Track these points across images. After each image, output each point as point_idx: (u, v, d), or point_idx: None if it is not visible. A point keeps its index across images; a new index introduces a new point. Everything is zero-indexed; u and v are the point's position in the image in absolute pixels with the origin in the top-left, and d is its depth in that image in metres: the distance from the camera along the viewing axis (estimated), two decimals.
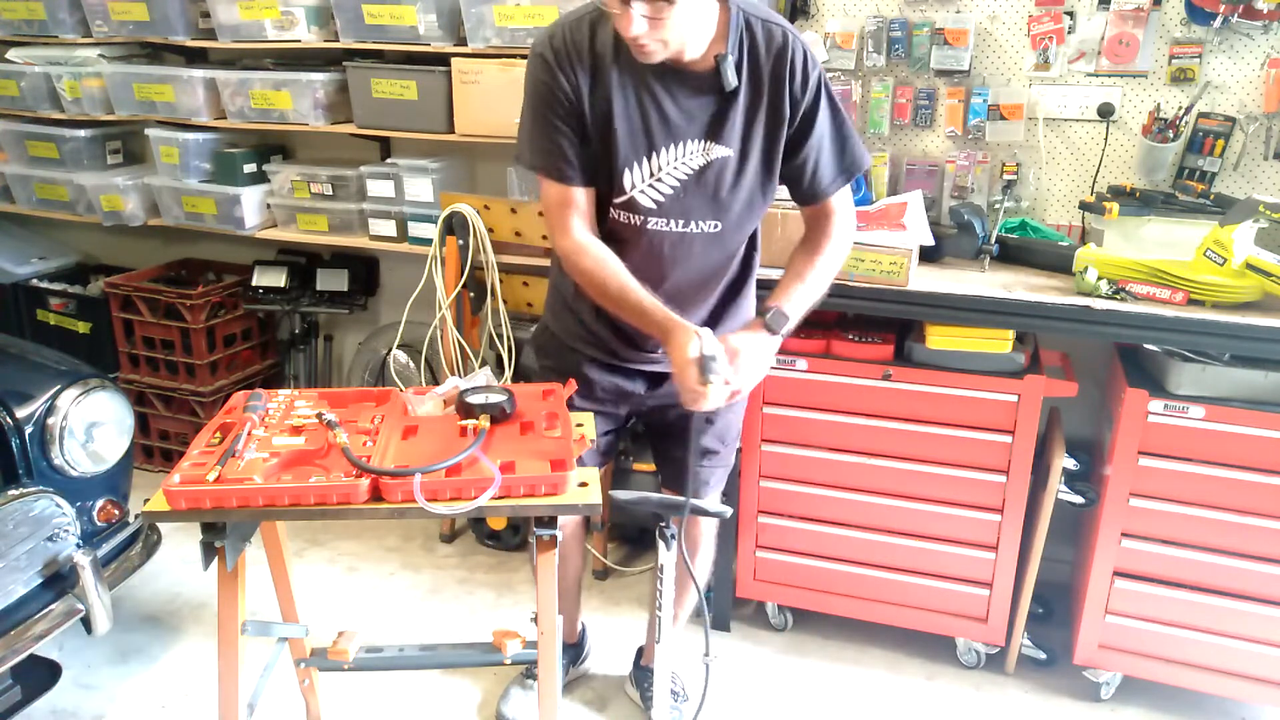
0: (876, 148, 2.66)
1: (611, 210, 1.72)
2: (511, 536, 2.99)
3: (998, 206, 2.52)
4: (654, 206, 1.70)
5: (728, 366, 1.56)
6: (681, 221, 1.72)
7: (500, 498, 1.46)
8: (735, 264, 1.86)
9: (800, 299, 1.71)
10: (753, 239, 1.88)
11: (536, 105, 1.67)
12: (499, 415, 1.64)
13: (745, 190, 1.72)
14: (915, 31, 2.53)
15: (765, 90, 1.66)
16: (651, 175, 1.68)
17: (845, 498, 2.42)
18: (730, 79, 1.62)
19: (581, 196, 1.70)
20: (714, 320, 1.89)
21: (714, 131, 1.67)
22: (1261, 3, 2.23)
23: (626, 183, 1.68)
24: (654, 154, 1.67)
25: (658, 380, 1.93)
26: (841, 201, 1.79)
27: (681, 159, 1.68)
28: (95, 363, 2.60)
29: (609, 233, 1.75)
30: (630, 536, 3.06)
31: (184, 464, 1.50)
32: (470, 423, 1.62)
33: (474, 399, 1.65)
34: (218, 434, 1.59)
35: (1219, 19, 2.27)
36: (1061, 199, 2.57)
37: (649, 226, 1.72)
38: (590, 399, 1.91)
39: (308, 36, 2.95)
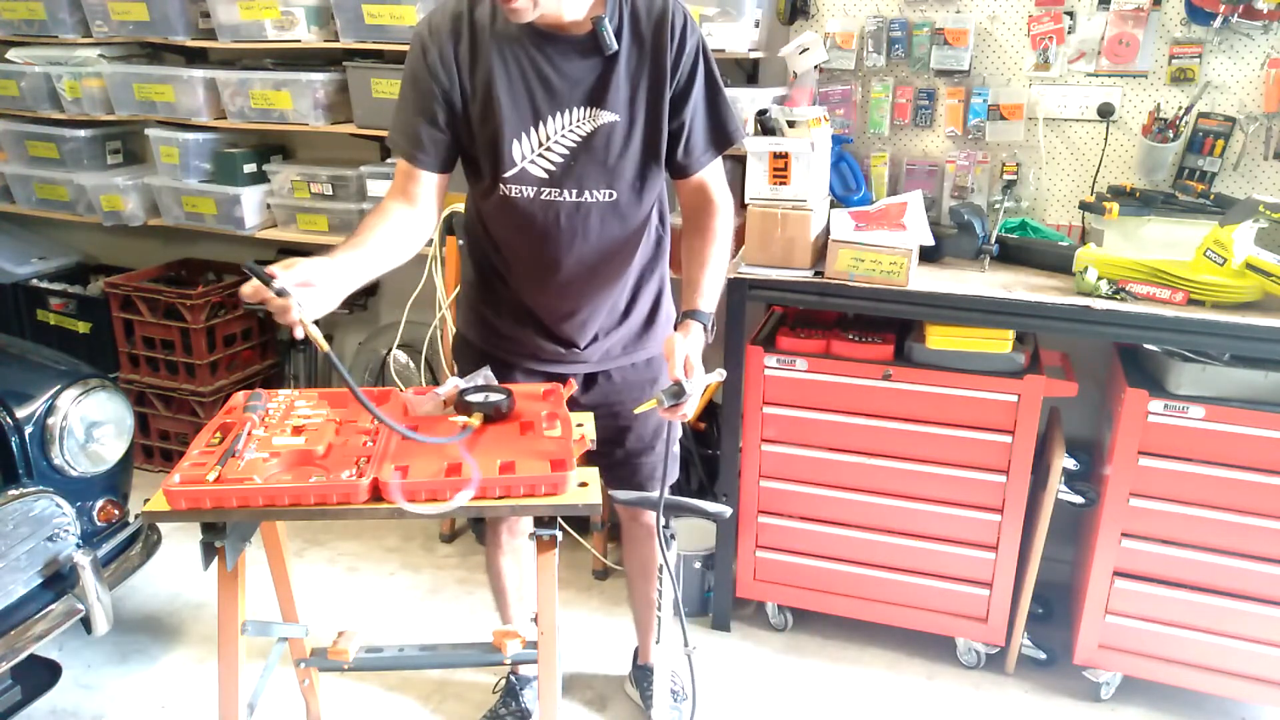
0: (876, 148, 2.66)
1: (503, 187, 1.70)
2: None
3: (998, 206, 2.53)
4: (546, 176, 1.69)
5: (687, 377, 1.57)
6: (575, 191, 1.70)
7: (501, 498, 1.46)
8: (645, 246, 1.85)
9: (713, 290, 1.71)
10: (662, 218, 1.88)
11: (405, 86, 1.69)
12: (493, 414, 1.63)
13: (635, 156, 1.71)
14: (915, 31, 2.53)
15: (648, 55, 1.66)
16: (540, 145, 1.67)
17: (845, 498, 2.42)
18: (609, 42, 1.61)
19: (421, 179, 1.69)
20: (635, 302, 1.89)
21: (598, 97, 1.66)
22: (1261, 3, 2.23)
23: (516, 154, 1.67)
24: (540, 123, 1.66)
25: (588, 382, 1.93)
26: (715, 174, 1.79)
27: (569, 126, 1.67)
28: (95, 363, 2.60)
29: (504, 212, 1.73)
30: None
31: (184, 464, 1.49)
32: (461, 419, 1.61)
33: (473, 398, 1.65)
34: (218, 434, 1.59)
35: (1219, 19, 2.27)
36: (1061, 199, 2.57)
37: (543, 197, 1.71)
38: None
39: (308, 36, 2.95)
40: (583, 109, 1.66)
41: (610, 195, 1.72)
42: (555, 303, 1.83)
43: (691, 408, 1.60)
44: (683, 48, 1.66)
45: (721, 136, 1.76)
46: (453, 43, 1.64)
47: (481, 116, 1.67)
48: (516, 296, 1.85)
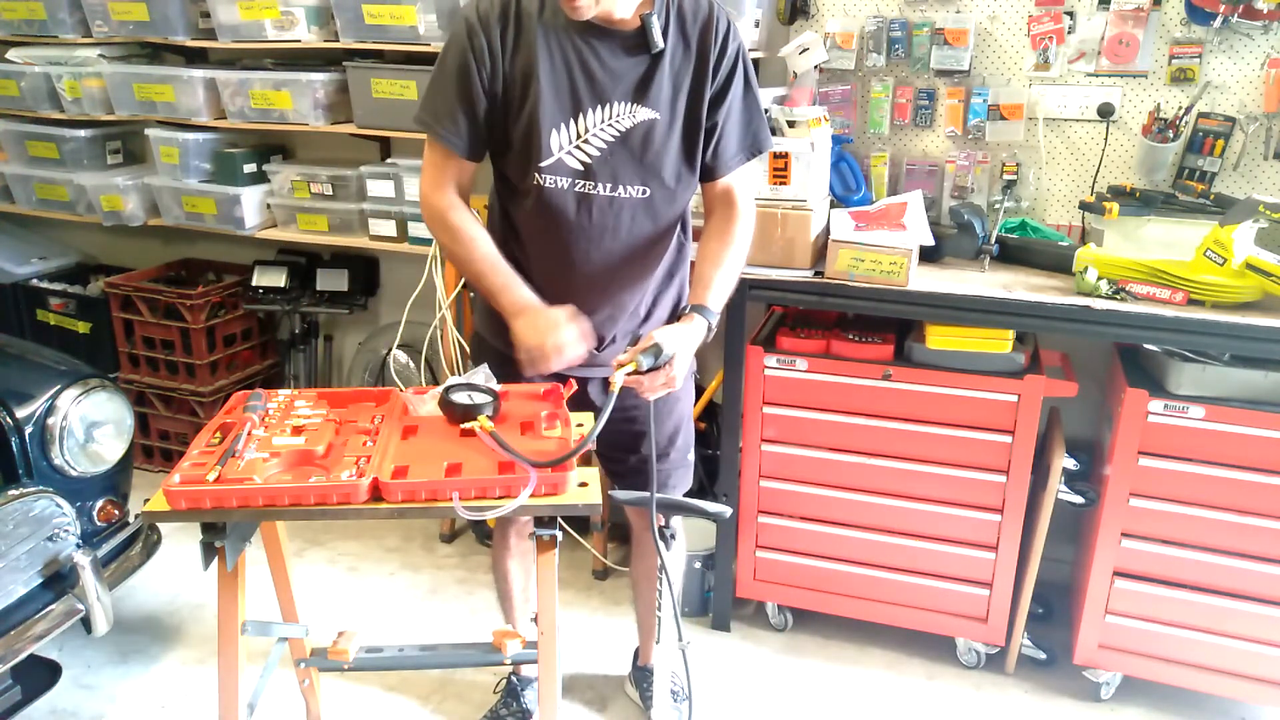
0: (876, 148, 2.66)
1: (537, 176, 1.70)
2: None
3: (998, 206, 2.53)
4: (581, 168, 1.69)
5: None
6: (609, 185, 1.71)
7: (501, 497, 1.46)
8: (670, 248, 1.85)
9: (723, 290, 1.72)
10: (684, 224, 1.88)
11: (446, 66, 1.67)
12: (464, 416, 1.61)
13: (672, 155, 1.72)
14: (915, 31, 2.53)
15: (692, 55, 1.67)
16: (578, 137, 1.68)
17: (845, 498, 2.42)
18: (657, 39, 1.62)
19: (463, 168, 1.73)
20: (655, 306, 1.90)
21: (640, 93, 1.66)
22: (1261, 3, 2.23)
23: (554, 144, 1.67)
24: (580, 115, 1.67)
25: (604, 388, 1.90)
26: (742, 180, 1.79)
27: (608, 120, 1.67)
28: (95, 363, 2.60)
29: (535, 203, 1.73)
30: (630, 536, 3.05)
31: (184, 464, 1.50)
32: (475, 424, 1.60)
33: (456, 397, 1.62)
34: (218, 434, 1.59)
35: (1219, 19, 2.27)
36: (1061, 199, 2.57)
37: (577, 189, 1.71)
38: None
39: (308, 36, 2.95)
40: (624, 104, 1.66)
41: (644, 192, 1.73)
42: (579, 299, 1.81)
43: (674, 375, 1.58)
44: (724, 51, 1.68)
45: (754, 141, 1.77)
46: (499, 29, 1.63)
47: (520, 103, 1.66)
48: (539, 293, 1.84)
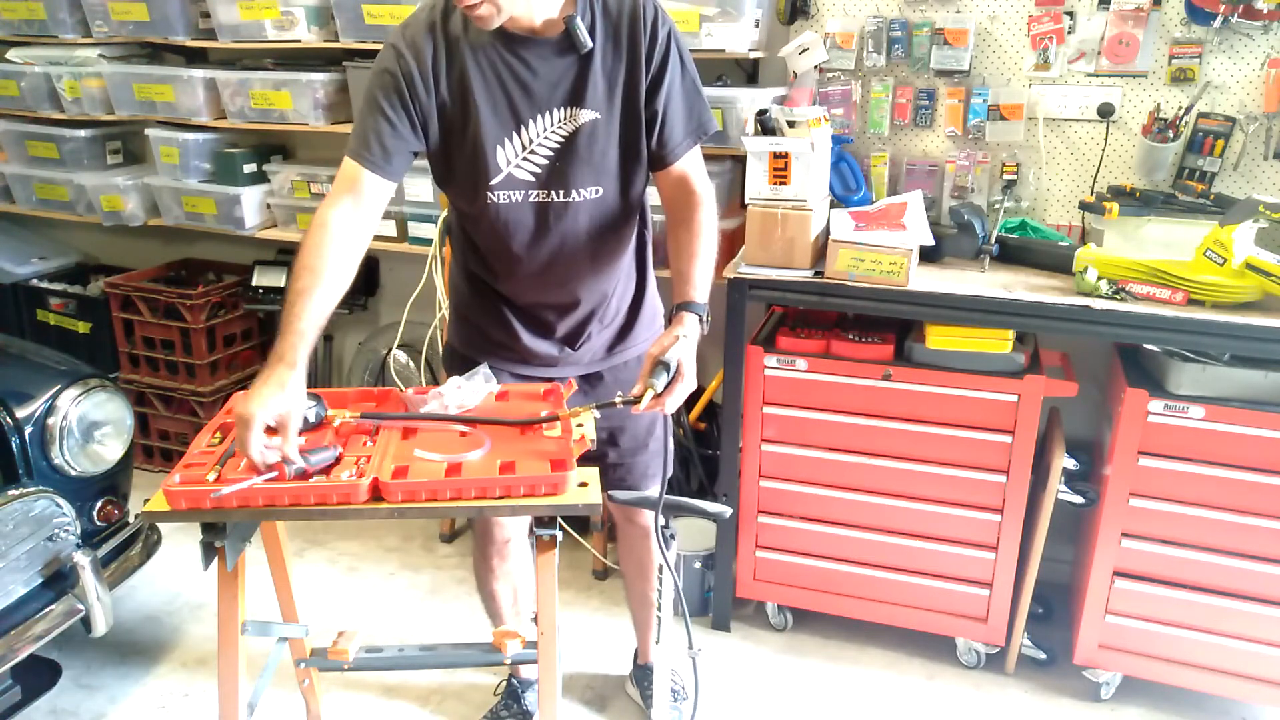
0: (876, 148, 2.66)
1: (490, 194, 1.70)
2: None
3: (998, 206, 2.53)
4: (533, 179, 1.70)
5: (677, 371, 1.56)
6: (563, 190, 1.71)
7: (500, 497, 1.46)
8: (630, 242, 1.85)
9: (704, 281, 1.70)
10: (643, 216, 1.88)
11: (370, 92, 1.65)
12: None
13: (618, 151, 1.71)
14: (915, 31, 2.53)
15: (623, 48, 1.66)
16: (524, 149, 1.68)
17: (845, 498, 2.42)
18: (584, 40, 1.61)
19: (369, 185, 1.63)
20: (624, 298, 1.89)
21: (577, 96, 1.66)
22: (1261, 3, 2.23)
23: (500, 160, 1.67)
24: (522, 127, 1.66)
25: (589, 382, 1.92)
26: (694, 165, 1.78)
27: (551, 128, 1.67)
28: (95, 363, 2.60)
29: (493, 218, 1.72)
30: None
31: (184, 464, 1.49)
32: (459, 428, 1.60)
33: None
34: (217, 434, 1.59)
35: (1219, 19, 2.27)
36: (1061, 199, 2.57)
37: (531, 200, 1.71)
38: None
39: (308, 36, 2.95)
40: (563, 109, 1.66)
41: (597, 192, 1.73)
42: (549, 302, 1.83)
43: (687, 380, 1.57)
44: (655, 39, 1.66)
45: (698, 125, 1.75)
46: (430, 54, 1.63)
47: (461, 125, 1.66)
48: (507, 300, 1.85)
